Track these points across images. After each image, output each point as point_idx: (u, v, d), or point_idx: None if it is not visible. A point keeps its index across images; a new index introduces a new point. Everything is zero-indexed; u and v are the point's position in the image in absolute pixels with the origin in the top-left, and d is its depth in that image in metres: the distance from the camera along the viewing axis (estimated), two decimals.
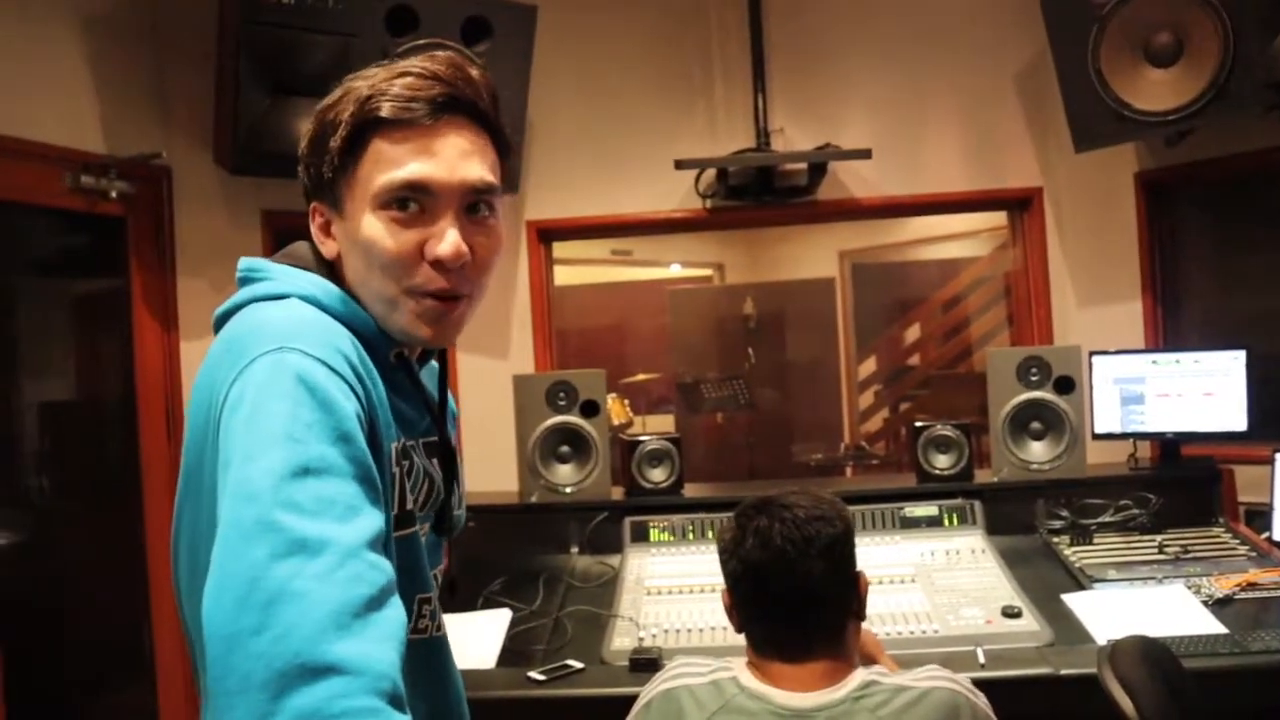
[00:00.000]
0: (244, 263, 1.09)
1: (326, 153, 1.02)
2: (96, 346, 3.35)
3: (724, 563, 1.59)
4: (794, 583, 1.50)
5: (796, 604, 1.51)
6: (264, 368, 0.90)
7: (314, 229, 1.09)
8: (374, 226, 1.01)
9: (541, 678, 2.26)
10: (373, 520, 0.87)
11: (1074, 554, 2.73)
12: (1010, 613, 2.41)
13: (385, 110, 1.00)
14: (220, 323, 1.06)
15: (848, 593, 1.55)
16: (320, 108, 1.05)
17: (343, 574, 0.80)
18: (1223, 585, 2.46)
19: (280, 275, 1.06)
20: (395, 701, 0.79)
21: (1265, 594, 2.44)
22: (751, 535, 1.53)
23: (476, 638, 2.46)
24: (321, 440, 0.87)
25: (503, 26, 3.17)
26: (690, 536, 2.92)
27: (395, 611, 0.84)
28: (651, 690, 1.57)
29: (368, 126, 1.01)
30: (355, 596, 0.80)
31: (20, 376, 3.07)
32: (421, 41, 3.01)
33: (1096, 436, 3.09)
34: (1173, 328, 3.45)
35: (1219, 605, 2.39)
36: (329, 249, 1.08)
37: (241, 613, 0.78)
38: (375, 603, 0.82)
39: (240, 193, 3.29)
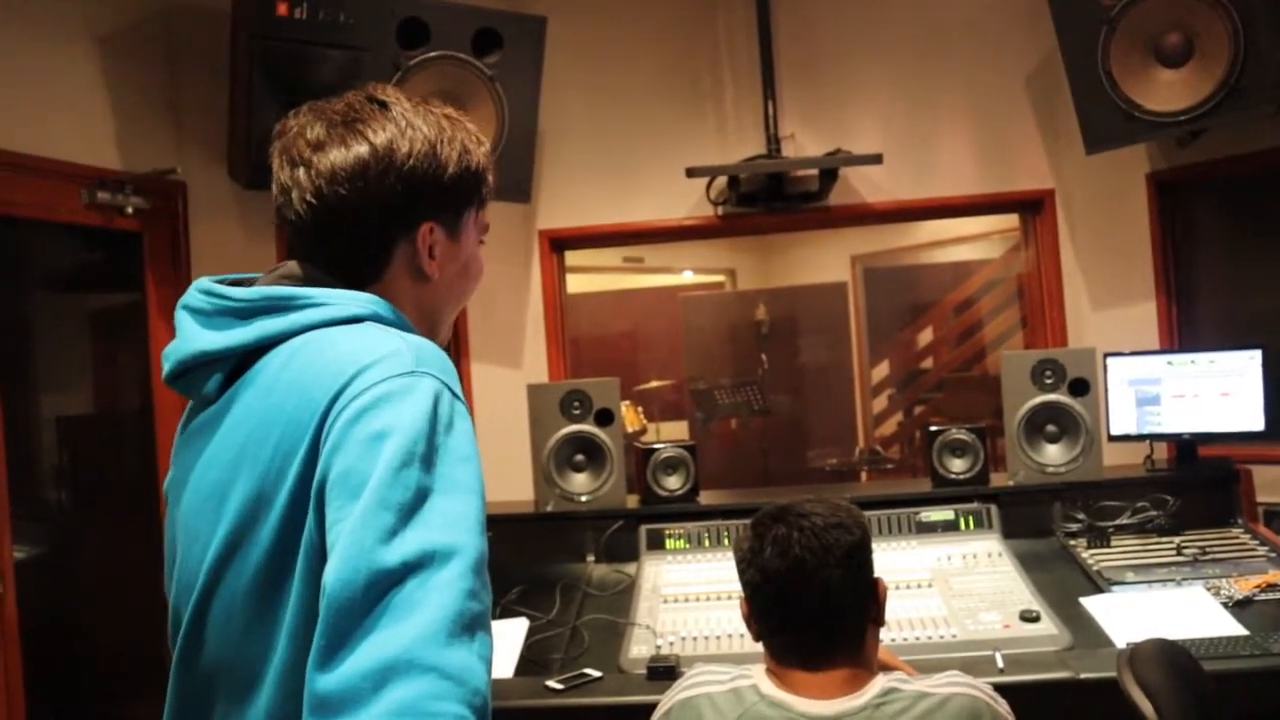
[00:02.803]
0: (269, 291, 1.07)
1: (474, 194, 1.18)
2: (114, 361, 3.38)
3: (742, 572, 1.59)
4: (813, 591, 1.50)
5: (816, 612, 1.51)
6: (399, 389, 0.96)
7: (419, 245, 1.13)
8: (479, 251, 1.22)
9: (559, 687, 2.27)
10: (486, 540, 0.94)
11: (1091, 557, 2.72)
12: (1028, 617, 2.40)
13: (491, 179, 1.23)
14: (249, 350, 1.05)
15: (867, 600, 1.56)
16: (453, 145, 1.14)
17: (462, 586, 0.87)
18: (1242, 586, 2.44)
19: (337, 300, 1.06)
20: (484, 718, 0.84)
21: None
22: (770, 544, 1.53)
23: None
24: (453, 461, 0.95)
25: (513, 38, 3.18)
26: (706, 544, 2.92)
27: (491, 638, 0.90)
28: (671, 698, 1.58)
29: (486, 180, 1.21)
30: (468, 610, 0.87)
31: (39, 391, 3.10)
32: (433, 54, 3.03)
33: (1112, 438, 3.08)
34: (1187, 328, 3.43)
35: (1239, 607, 2.38)
36: (430, 267, 1.15)
37: (363, 616, 0.84)
38: (482, 621, 0.88)
39: (254, 206, 3.31)
